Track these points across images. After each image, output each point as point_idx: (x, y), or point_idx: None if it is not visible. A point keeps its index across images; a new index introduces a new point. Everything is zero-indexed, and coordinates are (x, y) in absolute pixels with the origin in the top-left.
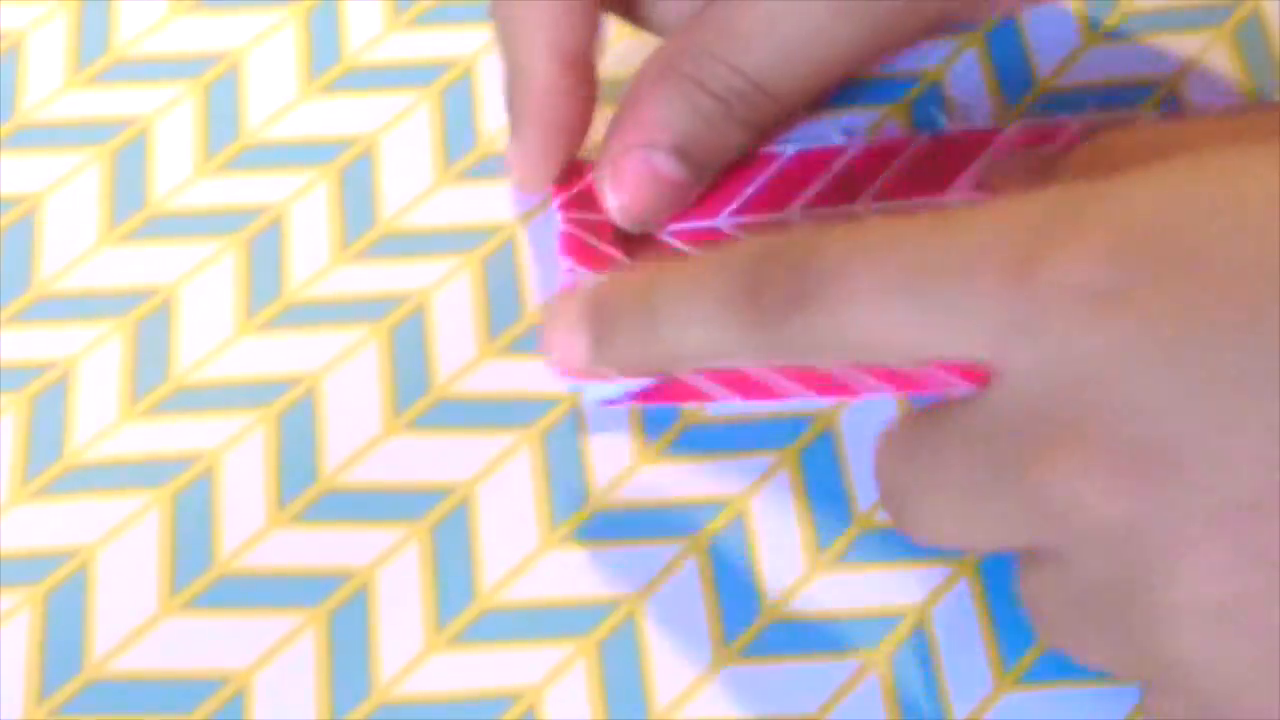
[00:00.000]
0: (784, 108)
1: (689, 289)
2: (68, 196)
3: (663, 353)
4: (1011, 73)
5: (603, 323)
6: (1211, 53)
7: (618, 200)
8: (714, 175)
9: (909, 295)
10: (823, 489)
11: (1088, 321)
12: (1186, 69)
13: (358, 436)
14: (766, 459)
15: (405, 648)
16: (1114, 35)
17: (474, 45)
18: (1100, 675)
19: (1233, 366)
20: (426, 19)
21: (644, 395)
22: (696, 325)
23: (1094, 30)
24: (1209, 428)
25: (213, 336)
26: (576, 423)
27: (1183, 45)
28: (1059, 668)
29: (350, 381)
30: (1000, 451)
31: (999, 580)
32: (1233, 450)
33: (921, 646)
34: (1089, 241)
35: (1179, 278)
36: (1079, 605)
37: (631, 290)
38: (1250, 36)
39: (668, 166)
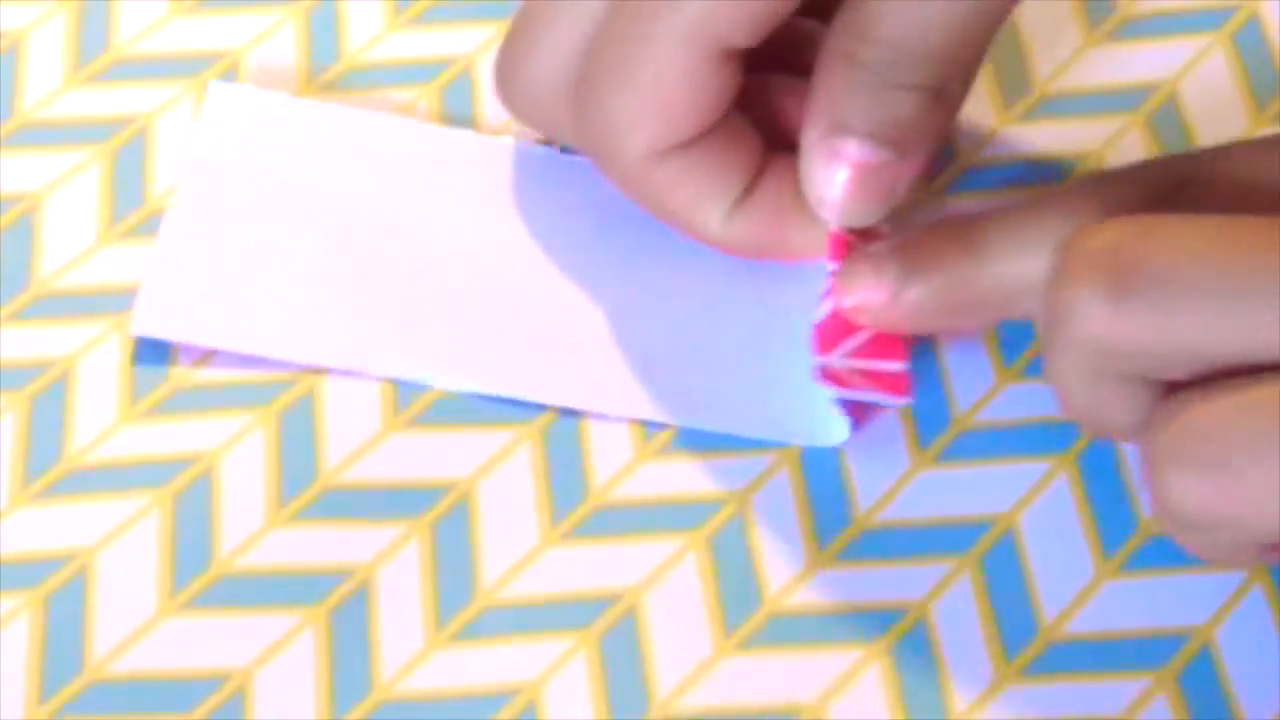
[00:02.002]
0: (951, 68)
1: (1023, 224)
2: (67, 195)
3: (980, 285)
4: (1010, 74)
5: (915, 255)
6: (1211, 56)
7: (824, 195)
8: (924, 153)
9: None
10: (822, 488)
11: None
12: (1185, 72)
13: (357, 434)
14: (767, 458)
15: (406, 645)
16: (1113, 38)
17: (474, 43)
18: (1095, 667)
19: None
20: (426, 19)
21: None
22: (1028, 255)
23: (1093, 32)
24: None
25: None
26: (577, 419)
27: (1182, 48)
28: (1062, 658)
29: (349, 380)
30: None
31: (998, 573)
32: None
33: (921, 639)
34: None
35: None
36: None
37: (945, 231)
38: (1250, 40)
39: (861, 153)
